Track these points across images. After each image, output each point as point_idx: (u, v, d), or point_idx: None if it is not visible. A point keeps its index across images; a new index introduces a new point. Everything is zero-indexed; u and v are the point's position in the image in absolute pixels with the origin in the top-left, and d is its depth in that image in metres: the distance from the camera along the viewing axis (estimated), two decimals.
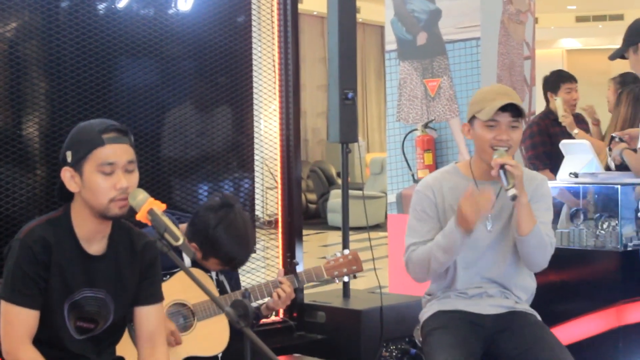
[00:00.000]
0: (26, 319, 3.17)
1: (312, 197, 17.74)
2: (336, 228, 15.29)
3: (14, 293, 3.16)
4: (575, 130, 6.46)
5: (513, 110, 3.92)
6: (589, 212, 5.07)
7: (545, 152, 6.58)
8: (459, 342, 3.87)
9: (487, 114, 3.91)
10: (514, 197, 3.80)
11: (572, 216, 5.03)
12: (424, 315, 4.14)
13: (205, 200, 4.96)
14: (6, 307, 3.18)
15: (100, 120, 3.25)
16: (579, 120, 6.94)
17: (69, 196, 3.26)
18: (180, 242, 3.05)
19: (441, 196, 4.05)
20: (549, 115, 6.83)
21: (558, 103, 6.63)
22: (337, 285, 5.51)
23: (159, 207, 3.12)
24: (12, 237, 3.27)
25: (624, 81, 7.06)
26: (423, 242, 4.01)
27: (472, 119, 4.00)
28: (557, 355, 3.81)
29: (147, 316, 3.39)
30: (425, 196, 4.07)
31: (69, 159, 3.18)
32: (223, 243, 4.01)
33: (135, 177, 3.21)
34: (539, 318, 4.08)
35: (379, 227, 14.07)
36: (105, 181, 3.16)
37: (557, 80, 6.91)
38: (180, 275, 3.97)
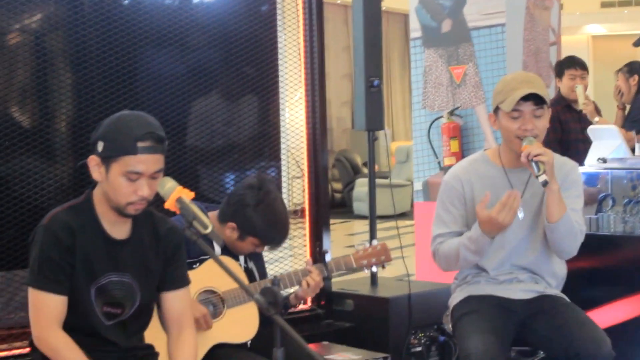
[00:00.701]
0: (54, 304, 3.19)
1: (338, 186, 17.73)
2: (362, 217, 15.28)
3: (41, 279, 3.18)
4: (596, 119, 6.42)
5: (536, 98, 3.89)
6: (618, 198, 5.03)
7: (555, 139, 6.54)
8: (491, 327, 3.87)
9: (509, 105, 3.89)
10: (545, 183, 3.78)
11: (601, 202, 4.99)
12: (454, 300, 4.14)
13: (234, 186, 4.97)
14: (34, 293, 3.20)
15: (140, 122, 3.20)
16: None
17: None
18: (209, 230, 3.05)
19: (470, 186, 4.03)
20: (561, 101, 6.78)
21: (579, 91, 6.60)
22: (365, 274, 5.49)
23: (188, 195, 3.12)
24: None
25: (632, 69, 7.05)
26: (449, 234, 4.02)
27: (496, 109, 3.98)
28: (590, 331, 3.81)
29: (174, 301, 3.42)
30: (453, 187, 4.06)
31: (99, 149, 3.18)
32: (263, 223, 4.01)
33: (158, 181, 3.21)
34: (569, 301, 4.08)
35: (405, 215, 14.04)
36: (129, 186, 3.17)
37: (562, 65, 6.86)
38: (209, 263, 3.97)
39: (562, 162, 4.08)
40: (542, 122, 3.94)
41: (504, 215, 3.76)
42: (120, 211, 3.22)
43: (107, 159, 3.16)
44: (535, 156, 3.79)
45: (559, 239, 3.93)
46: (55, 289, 3.19)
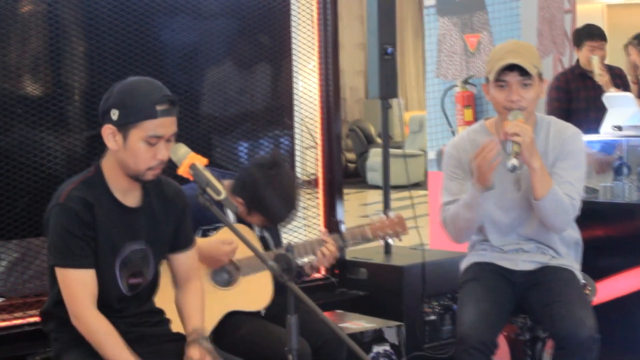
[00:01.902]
0: (85, 280, 3.17)
1: (351, 156, 17.72)
2: (375, 187, 15.27)
3: (67, 256, 3.16)
4: (612, 89, 6.39)
5: (522, 68, 3.79)
6: (633, 166, 5.01)
7: (561, 108, 6.52)
8: (488, 294, 3.85)
9: (494, 75, 3.81)
10: (513, 168, 3.65)
11: (616, 170, 4.97)
12: (461, 267, 4.16)
13: (247, 157, 4.96)
14: (62, 272, 3.17)
15: (153, 86, 3.20)
16: (615, 76, 6.86)
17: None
18: (223, 196, 3.03)
19: (465, 154, 3.97)
20: (575, 69, 6.77)
21: (595, 61, 6.56)
22: (379, 242, 5.50)
23: (201, 161, 3.11)
24: (53, 195, 3.27)
25: None
26: (456, 201, 3.96)
27: (487, 79, 3.91)
28: (575, 311, 3.70)
29: (182, 261, 3.46)
30: (451, 156, 4.03)
31: (115, 118, 3.16)
32: (272, 203, 3.99)
33: (171, 145, 3.21)
34: (576, 273, 3.99)
35: (419, 185, 14.04)
36: (148, 151, 3.16)
37: (581, 36, 6.83)
38: (225, 231, 3.97)
39: (561, 129, 3.97)
40: (531, 93, 3.82)
41: (478, 161, 3.67)
42: (138, 178, 3.21)
43: (125, 125, 3.15)
44: (511, 135, 3.68)
45: (547, 214, 3.83)
46: (83, 264, 3.17)
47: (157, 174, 3.22)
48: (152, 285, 3.42)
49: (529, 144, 3.69)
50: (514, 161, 3.65)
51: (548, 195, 3.76)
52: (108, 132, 3.19)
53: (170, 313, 3.50)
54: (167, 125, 3.15)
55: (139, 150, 3.16)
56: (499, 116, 3.95)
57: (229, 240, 3.90)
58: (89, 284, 3.18)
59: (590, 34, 6.78)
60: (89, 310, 3.17)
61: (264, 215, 4.04)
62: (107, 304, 3.25)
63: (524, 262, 3.99)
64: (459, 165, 3.99)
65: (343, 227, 4.17)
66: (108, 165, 3.26)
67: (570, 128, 3.99)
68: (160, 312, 3.48)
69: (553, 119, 4.02)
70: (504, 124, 3.77)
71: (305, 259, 4.23)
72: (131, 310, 3.32)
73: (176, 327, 3.46)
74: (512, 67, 3.79)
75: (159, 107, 3.13)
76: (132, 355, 3.16)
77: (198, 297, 3.45)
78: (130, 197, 3.30)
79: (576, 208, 3.87)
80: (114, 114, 3.16)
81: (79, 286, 3.16)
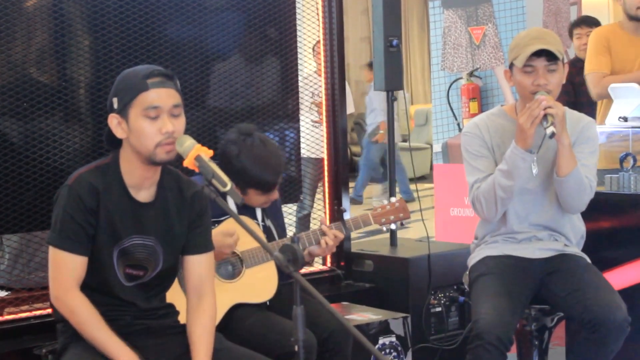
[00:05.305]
0: (74, 265, 3.20)
1: (356, 149, 17.69)
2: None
3: (63, 239, 3.19)
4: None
5: (549, 53, 3.90)
6: (639, 157, 5.00)
7: (568, 102, 6.52)
8: (505, 290, 3.86)
9: (522, 61, 3.91)
10: (552, 134, 3.77)
11: (622, 161, 4.96)
12: (472, 260, 4.15)
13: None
14: (55, 253, 3.21)
15: (145, 66, 3.25)
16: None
17: (117, 143, 3.27)
18: (228, 187, 3.03)
19: (488, 134, 4.07)
20: (576, 63, 6.76)
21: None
22: (385, 235, 5.50)
23: (206, 153, 3.11)
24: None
25: None
26: (485, 178, 4.00)
27: (511, 65, 4.00)
28: (606, 295, 3.79)
29: (197, 265, 3.41)
30: (474, 135, 4.08)
31: (115, 106, 3.20)
32: (249, 169, 4.01)
33: (181, 121, 3.21)
34: (589, 261, 4.07)
35: (424, 178, 14.02)
36: (151, 126, 3.16)
37: (570, 27, 6.87)
38: (227, 223, 3.97)
39: (578, 118, 4.09)
40: (556, 78, 3.95)
41: (524, 118, 3.80)
42: (152, 160, 3.20)
43: (124, 108, 3.17)
44: (545, 108, 3.78)
45: (567, 193, 3.94)
46: (76, 250, 3.19)
47: (170, 152, 3.18)
48: (163, 282, 3.41)
49: (561, 117, 3.81)
50: (552, 128, 3.76)
51: (572, 173, 3.86)
52: (115, 122, 3.21)
53: (180, 306, 3.50)
54: (162, 96, 3.17)
55: (141, 127, 3.16)
56: (520, 101, 4.05)
57: (230, 231, 3.91)
58: (76, 270, 3.20)
59: (577, 22, 6.86)
60: (71, 290, 3.19)
61: (252, 186, 4.05)
62: (110, 292, 3.27)
63: (540, 250, 4.04)
64: (484, 144, 4.06)
65: (346, 215, 4.16)
66: (124, 156, 3.27)
67: (586, 117, 4.14)
68: (170, 306, 3.48)
69: (567, 108, 4.07)
70: (536, 99, 3.84)
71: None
72: (139, 304, 3.32)
73: (184, 318, 3.44)
74: (539, 53, 3.89)
75: (150, 80, 3.17)
76: (113, 335, 3.18)
77: (209, 328, 3.37)
78: (143, 191, 3.30)
79: (593, 190, 3.98)
80: (115, 102, 3.21)
81: (66, 269, 3.20)
